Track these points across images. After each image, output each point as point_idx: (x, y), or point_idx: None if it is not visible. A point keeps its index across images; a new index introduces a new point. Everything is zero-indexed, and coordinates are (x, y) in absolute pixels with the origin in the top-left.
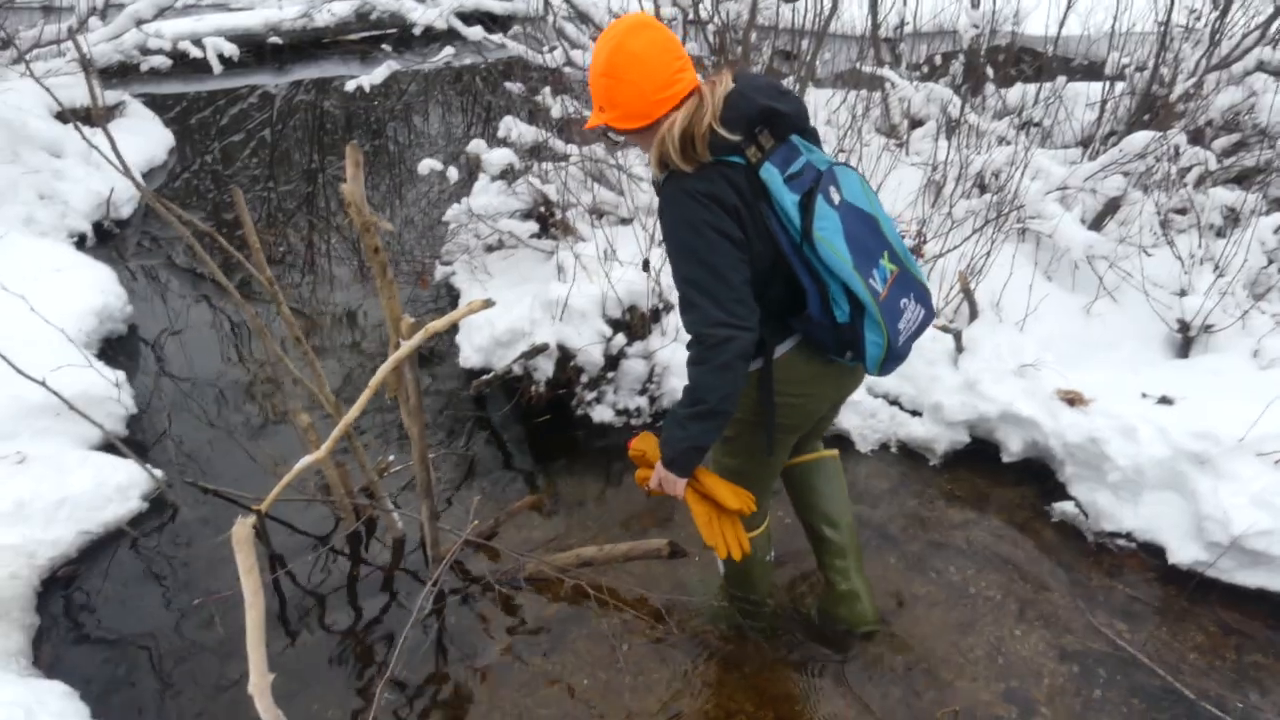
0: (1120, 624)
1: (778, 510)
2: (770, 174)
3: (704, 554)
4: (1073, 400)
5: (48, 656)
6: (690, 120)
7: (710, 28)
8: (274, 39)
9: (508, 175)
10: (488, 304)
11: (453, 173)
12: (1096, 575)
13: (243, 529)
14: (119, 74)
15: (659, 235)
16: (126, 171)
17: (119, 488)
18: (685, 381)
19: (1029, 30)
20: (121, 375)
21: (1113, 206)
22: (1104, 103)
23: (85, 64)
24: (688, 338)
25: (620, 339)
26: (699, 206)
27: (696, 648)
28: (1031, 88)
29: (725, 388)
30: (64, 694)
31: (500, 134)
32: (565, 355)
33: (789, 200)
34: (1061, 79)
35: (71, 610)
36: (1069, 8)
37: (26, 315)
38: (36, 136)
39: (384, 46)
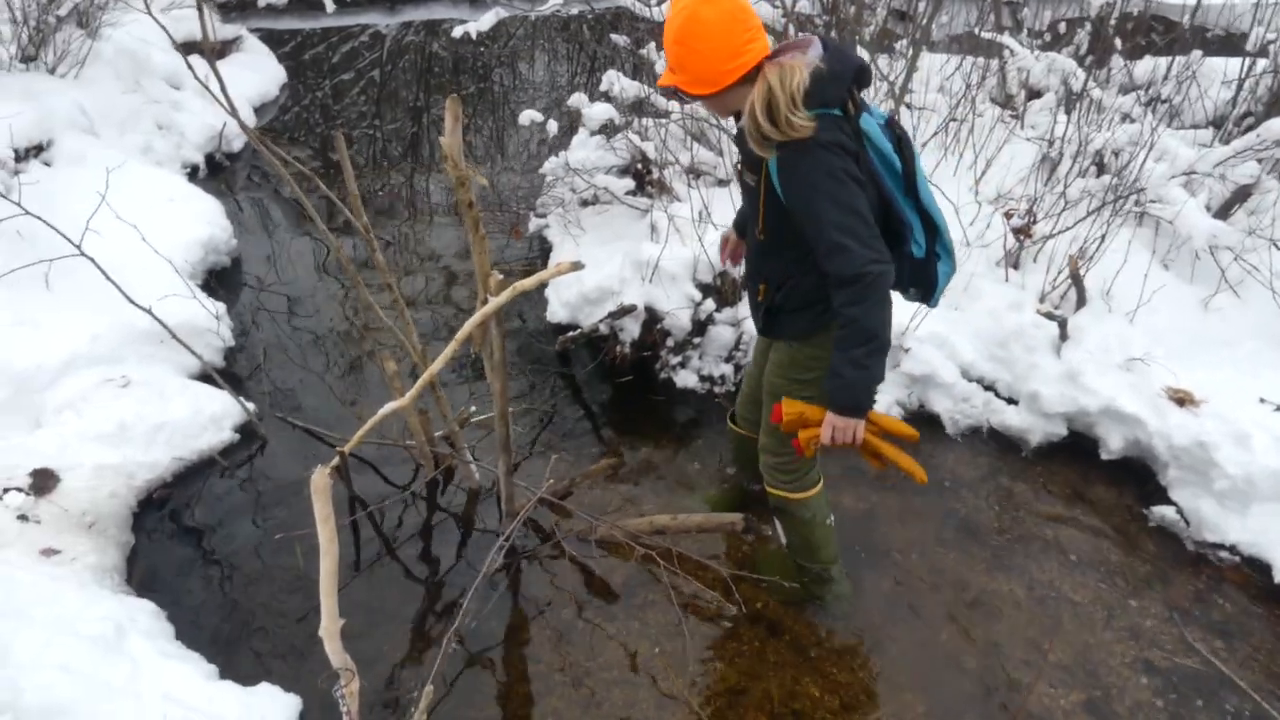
0: (1217, 641)
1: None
2: (869, 123)
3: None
4: (1182, 400)
5: (139, 574)
6: (783, 95)
7: None
8: None
9: (607, 130)
10: (576, 266)
11: (552, 125)
12: (1194, 587)
13: (321, 478)
14: (238, 8)
15: None
16: (233, 112)
17: (213, 417)
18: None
19: None
20: (222, 308)
21: (1243, 194)
22: (1241, 81)
23: (199, 1)
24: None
25: (709, 304)
26: (834, 156)
27: (763, 626)
28: (1162, 61)
29: (888, 320)
30: (153, 613)
31: (602, 88)
32: (652, 317)
33: (888, 146)
34: (1196, 53)
35: (163, 532)
36: None
37: (138, 243)
38: (159, 68)
39: None
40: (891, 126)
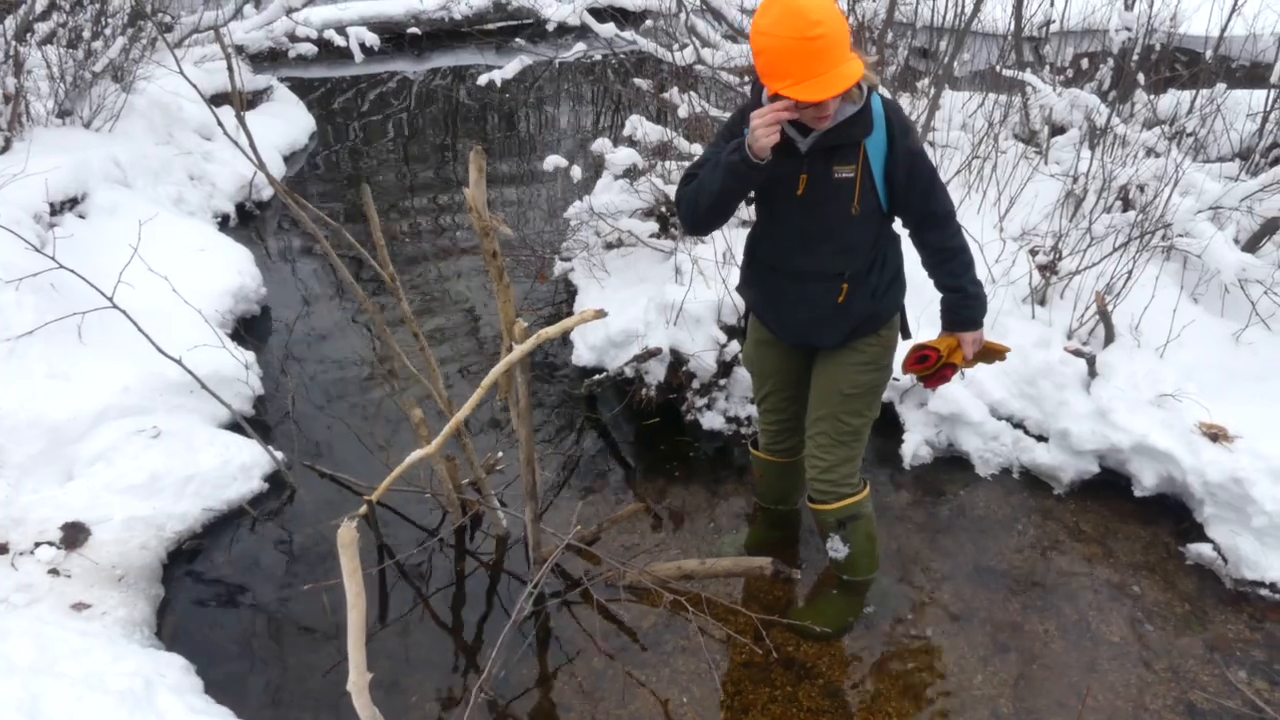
0: (1260, 682)
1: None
2: None
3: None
4: (1216, 435)
5: (169, 628)
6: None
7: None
8: (413, 29)
9: (631, 174)
10: (600, 314)
11: (576, 171)
12: (1235, 626)
13: (347, 533)
14: (269, 59)
15: None
16: (260, 165)
17: (243, 467)
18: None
19: (1187, 30)
20: (251, 356)
21: (1272, 227)
22: (1267, 113)
23: (229, 57)
24: None
25: (735, 346)
26: None
27: (795, 670)
28: (1186, 95)
29: None
30: (182, 667)
31: (626, 132)
32: (678, 360)
33: None
34: (1220, 86)
35: (193, 584)
36: (1234, 10)
37: (169, 294)
38: (190, 119)
39: (517, 39)
40: None
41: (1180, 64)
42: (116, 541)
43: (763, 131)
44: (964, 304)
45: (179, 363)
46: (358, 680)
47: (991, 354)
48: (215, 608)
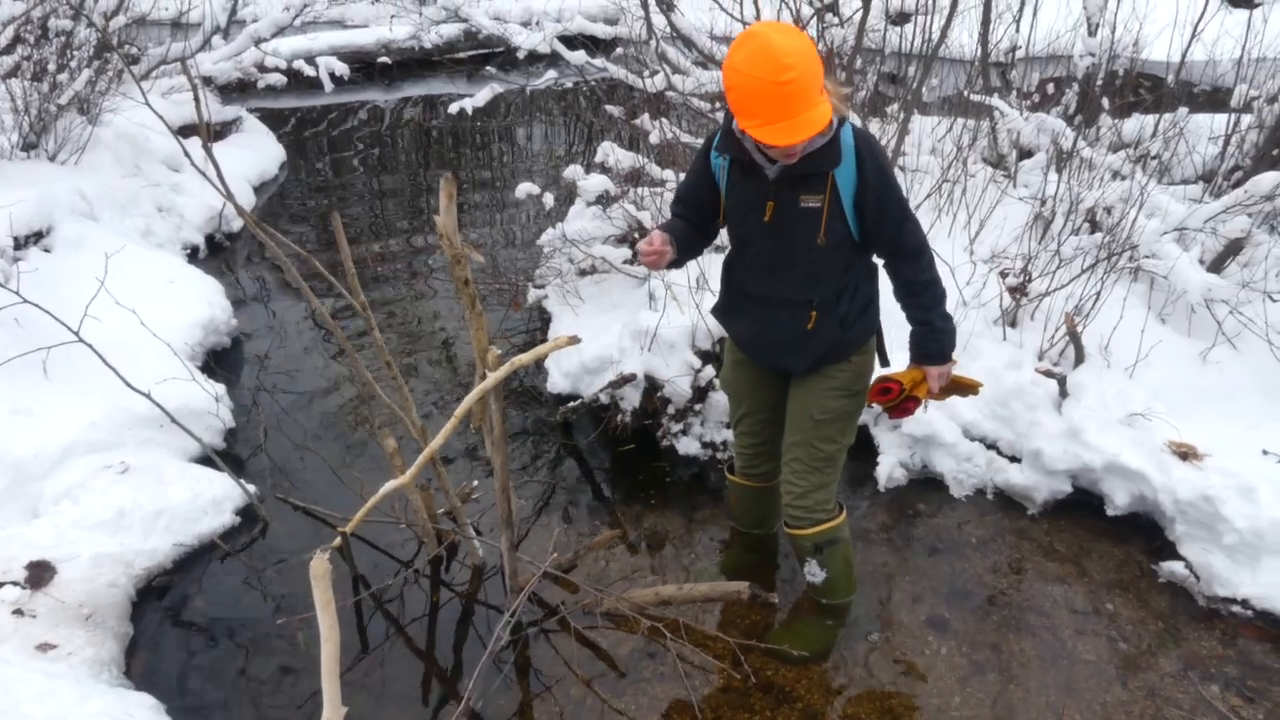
0: (1234, 698)
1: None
2: None
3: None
4: (1185, 454)
5: (139, 666)
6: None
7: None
8: (383, 59)
9: (603, 200)
10: (573, 340)
11: (548, 199)
12: (1208, 643)
13: (320, 564)
14: (238, 90)
15: None
16: (228, 196)
17: (214, 501)
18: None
19: (1149, 56)
20: (222, 389)
21: (1235, 248)
22: (1228, 137)
23: (195, 87)
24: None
25: (709, 371)
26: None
27: (774, 695)
28: (1150, 119)
29: None
30: (151, 706)
31: (598, 159)
32: (653, 385)
33: None
34: (1183, 110)
35: (164, 621)
36: (1194, 37)
37: (137, 327)
38: (158, 151)
39: (488, 68)
40: None
41: (1144, 89)
42: (84, 580)
43: (647, 262)
44: (931, 338)
45: (147, 396)
46: (332, 715)
47: (962, 388)
48: (186, 645)
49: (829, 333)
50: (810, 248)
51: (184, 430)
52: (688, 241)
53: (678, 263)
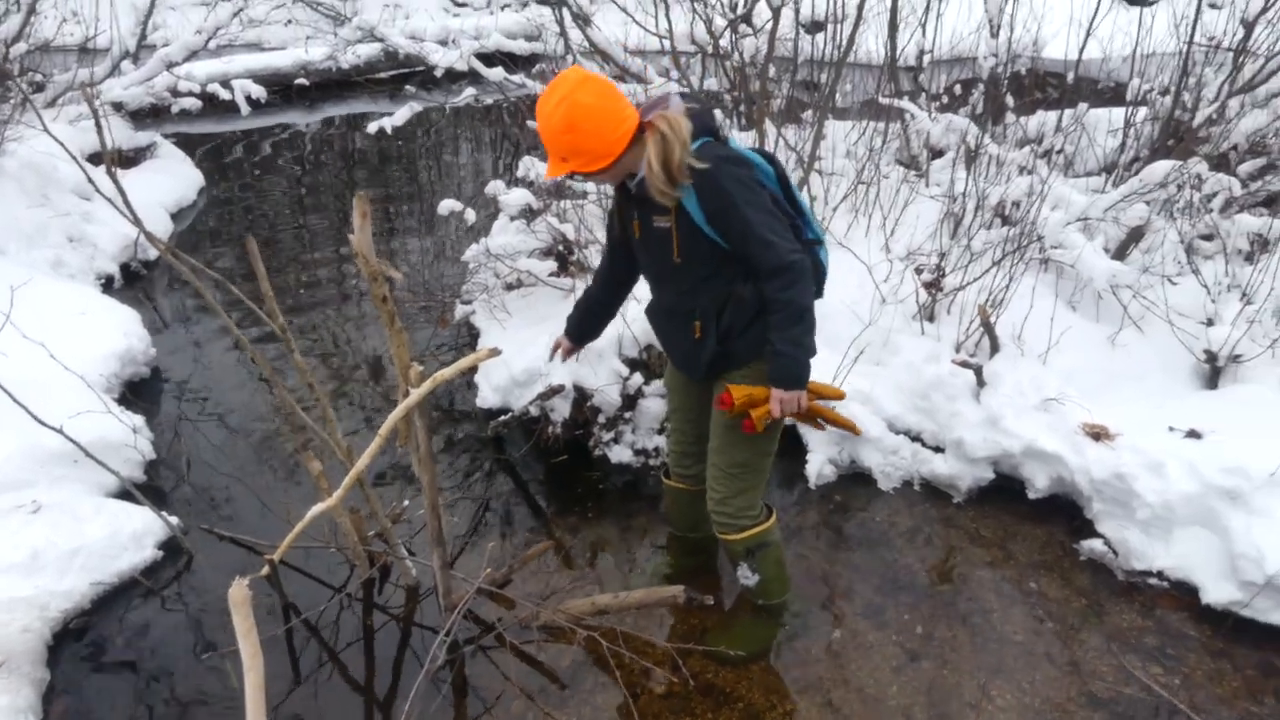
0: (1154, 667)
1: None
2: (735, 143)
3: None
4: (1098, 435)
5: (57, 713)
6: (677, 140)
7: (729, 63)
8: (301, 80)
9: (527, 214)
10: (494, 353)
11: (470, 215)
12: (1128, 616)
13: (239, 591)
14: (151, 115)
15: None
16: (136, 221)
17: (134, 535)
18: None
19: (1049, 54)
20: (140, 420)
21: (1136, 235)
22: (1126, 129)
23: (96, 114)
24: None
25: (637, 378)
26: (743, 169)
27: (714, 697)
28: (1052, 115)
29: (812, 301)
30: None
31: (520, 173)
32: (582, 395)
33: (758, 156)
34: (1083, 106)
35: (83, 665)
36: (1089, 35)
37: (48, 361)
38: (66, 180)
39: (408, 87)
40: (755, 148)
41: (1052, 86)
42: None
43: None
44: (773, 359)
45: (59, 431)
46: None
47: (827, 420)
48: (108, 688)
49: (714, 343)
50: (671, 264)
51: (99, 464)
52: (583, 322)
53: (589, 337)
